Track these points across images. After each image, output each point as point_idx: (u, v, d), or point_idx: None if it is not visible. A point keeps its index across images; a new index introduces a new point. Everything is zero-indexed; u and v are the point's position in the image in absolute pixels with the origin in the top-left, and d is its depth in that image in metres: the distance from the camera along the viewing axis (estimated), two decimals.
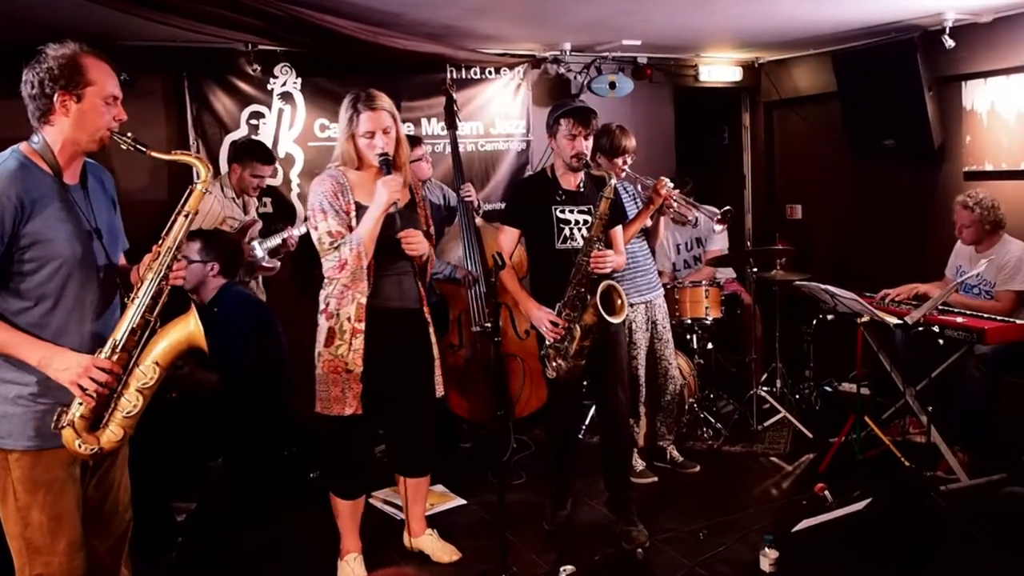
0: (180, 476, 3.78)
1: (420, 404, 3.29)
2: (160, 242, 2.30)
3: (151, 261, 2.29)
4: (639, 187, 4.25)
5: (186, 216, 2.31)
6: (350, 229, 3.03)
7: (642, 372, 4.20)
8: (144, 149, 2.31)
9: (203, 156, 2.55)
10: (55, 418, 2.16)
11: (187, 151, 2.62)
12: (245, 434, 3.87)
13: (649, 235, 4.27)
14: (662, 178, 4.02)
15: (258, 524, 3.89)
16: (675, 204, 4.11)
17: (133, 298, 2.25)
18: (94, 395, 2.15)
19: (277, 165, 4.82)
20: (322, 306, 3.14)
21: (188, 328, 2.30)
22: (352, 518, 3.32)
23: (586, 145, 3.50)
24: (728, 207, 4.34)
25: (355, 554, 3.32)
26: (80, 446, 2.17)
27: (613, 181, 3.42)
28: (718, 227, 4.43)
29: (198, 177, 2.37)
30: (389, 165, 3.01)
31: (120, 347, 2.21)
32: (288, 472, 4.18)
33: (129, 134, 2.30)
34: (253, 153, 4.47)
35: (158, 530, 3.49)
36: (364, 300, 3.05)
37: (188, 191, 2.34)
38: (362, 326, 3.06)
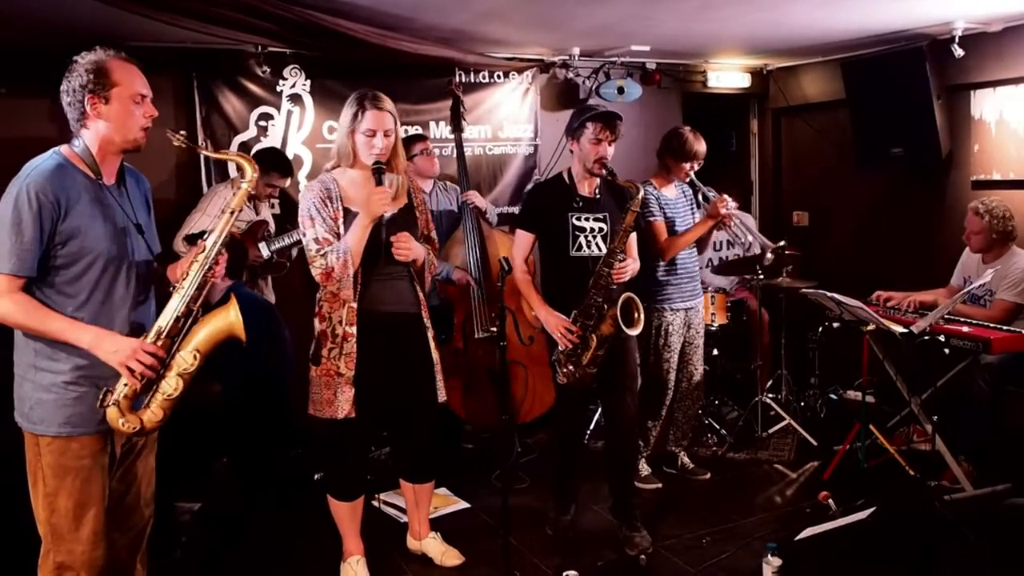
0: (184, 476, 3.78)
1: (420, 409, 3.28)
2: (206, 237, 2.46)
3: (197, 254, 2.42)
4: (699, 196, 4.25)
5: (231, 213, 2.46)
6: (338, 236, 3.04)
7: (672, 376, 4.18)
8: (196, 146, 2.47)
9: (250, 157, 2.69)
10: (100, 397, 2.28)
11: (231, 151, 2.84)
12: (249, 435, 3.88)
13: (699, 243, 4.25)
14: (724, 196, 4.02)
15: (262, 525, 3.90)
16: (732, 225, 4.10)
17: (178, 288, 2.39)
18: (140, 377, 2.28)
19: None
20: (316, 308, 3.15)
21: (229, 318, 2.42)
22: (351, 520, 3.32)
23: (609, 151, 3.50)
24: (783, 243, 4.37)
25: (357, 556, 3.33)
26: (123, 424, 2.30)
27: (641, 194, 3.41)
28: (769, 256, 4.47)
29: (243, 176, 2.53)
30: (380, 174, 3.00)
31: (164, 333, 2.34)
32: (292, 473, 4.19)
33: (183, 132, 2.48)
34: (274, 164, 4.49)
35: (162, 530, 3.49)
36: (355, 304, 3.05)
37: (234, 190, 2.52)
38: (353, 330, 3.05)
